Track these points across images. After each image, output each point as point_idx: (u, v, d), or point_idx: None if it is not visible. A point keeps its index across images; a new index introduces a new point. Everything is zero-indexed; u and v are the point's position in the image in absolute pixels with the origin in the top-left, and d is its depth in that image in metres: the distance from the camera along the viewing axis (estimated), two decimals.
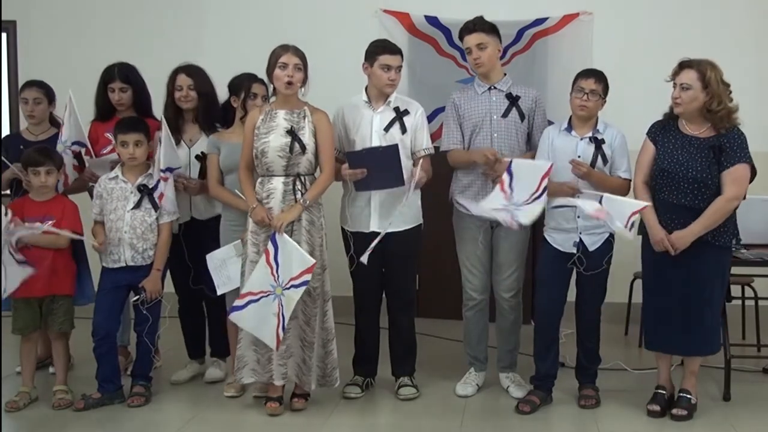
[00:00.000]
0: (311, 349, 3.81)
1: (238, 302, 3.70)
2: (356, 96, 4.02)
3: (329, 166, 3.81)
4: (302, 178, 3.78)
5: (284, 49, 3.72)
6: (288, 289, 3.64)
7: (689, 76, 3.60)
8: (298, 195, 3.74)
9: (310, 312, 3.77)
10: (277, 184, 3.76)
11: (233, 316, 3.73)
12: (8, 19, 5.64)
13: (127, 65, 4.29)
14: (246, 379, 3.85)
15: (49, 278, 3.86)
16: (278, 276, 3.65)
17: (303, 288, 3.65)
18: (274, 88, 3.79)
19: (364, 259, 3.78)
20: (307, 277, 3.64)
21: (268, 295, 3.67)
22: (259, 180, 3.81)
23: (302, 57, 3.73)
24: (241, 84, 4.05)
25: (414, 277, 4.23)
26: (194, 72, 4.16)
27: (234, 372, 3.88)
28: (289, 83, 3.69)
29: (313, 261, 3.65)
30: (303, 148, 3.73)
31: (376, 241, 3.81)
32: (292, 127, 3.74)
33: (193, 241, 4.17)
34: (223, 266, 4.00)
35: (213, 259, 4.02)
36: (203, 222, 4.19)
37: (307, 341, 3.80)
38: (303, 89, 3.79)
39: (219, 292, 4.04)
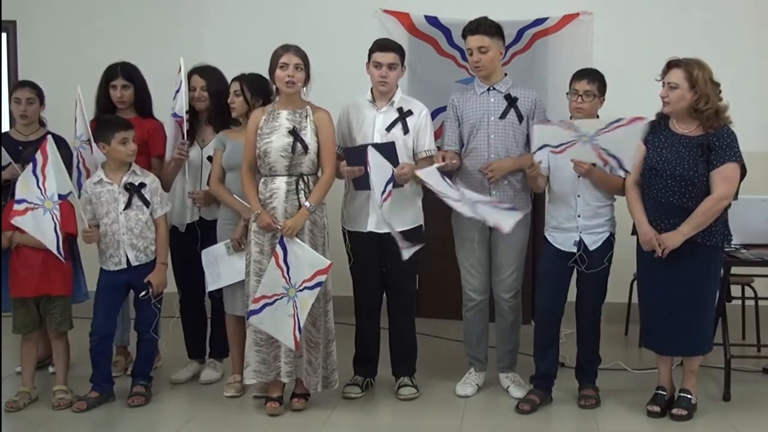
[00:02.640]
0: (317, 349, 3.81)
1: (254, 306, 3.71)
2: (361, 96, 4.02)
3: (330, 167, 3.80)
4: (305, 177, 3.77)
5: (285, 49, 3.73)
6: (302, 291, 3.66)
7: (676, 75, 3.60)
8: (301, 195, 3.74)
9: (316, 312, 3.77)
10: (280, 184, 3.75)
11: (252, 320, 3.74)
12: (8, 19, 5.63)
13: (130, 64, 4.30)
14: (248, 380, 3.85)
15: (40, 278, 3.84)
16: (290, 278, 3.67)
17: (317, 289, 3.67)
18: (277, 89, 3.79)
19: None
20: (322, 278, 3.66)
21: (282, 297, 3.68)
22: (263, 180, 3.80)
23: (303, 57, 3.74)
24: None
25: (414, 277, 4.22)
26: (207, 73, 4.18)
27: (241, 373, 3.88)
28: (290, 83, 3.70)
29: (329, 262, 3.68)
30: (305, 148, 3.73)
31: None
32: (294, 127, 3.74)
33: (203, 240, 4.14)
34: (215, 263, 4.00)
35: (207, 254, 4.03)
36: (211, 222, 4.17)
37: (313, 342, 3.80)
38: (305, 89, 3.79)
39: (208, 289, 4.07)
